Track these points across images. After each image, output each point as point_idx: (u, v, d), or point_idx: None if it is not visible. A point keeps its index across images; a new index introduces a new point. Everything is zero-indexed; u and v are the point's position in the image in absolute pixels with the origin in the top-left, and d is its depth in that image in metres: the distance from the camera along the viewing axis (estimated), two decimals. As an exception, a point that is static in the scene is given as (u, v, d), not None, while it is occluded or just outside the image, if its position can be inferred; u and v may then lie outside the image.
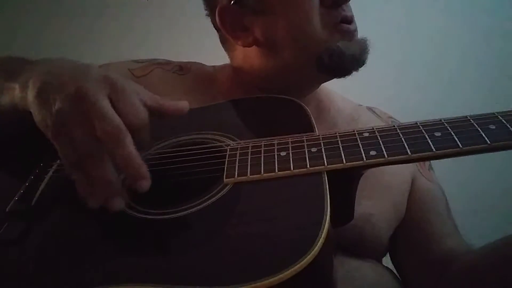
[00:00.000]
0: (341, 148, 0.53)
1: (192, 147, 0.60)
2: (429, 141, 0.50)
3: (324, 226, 0.44)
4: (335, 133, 0.55)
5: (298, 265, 0.41)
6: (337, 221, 0.51)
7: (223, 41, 0.80)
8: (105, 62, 0.80)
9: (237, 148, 0.57)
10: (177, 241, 0.49)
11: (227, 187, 0.52)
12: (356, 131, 0.55)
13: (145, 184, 0.48)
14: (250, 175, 0.52)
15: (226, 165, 0.55)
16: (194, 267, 0.45)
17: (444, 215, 0.78)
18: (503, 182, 1.65)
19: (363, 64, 0.71)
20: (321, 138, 0.55)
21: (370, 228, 0.69)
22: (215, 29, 0.78)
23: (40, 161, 0.61)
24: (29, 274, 0.48)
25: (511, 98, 1.63)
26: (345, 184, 0.53)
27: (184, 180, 0.57)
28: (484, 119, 0.51)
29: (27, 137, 0.55)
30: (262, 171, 0.52)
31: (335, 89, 0.85)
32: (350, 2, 0.72)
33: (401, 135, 0.52)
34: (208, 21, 0.79)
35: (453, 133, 0.51)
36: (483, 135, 0.49)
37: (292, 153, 0.54)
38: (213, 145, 0.60)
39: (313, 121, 0.60)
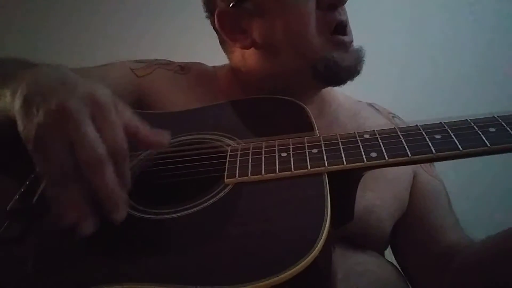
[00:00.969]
0: (341, 150, 0.53)
1: (193, 147, 0.60)
2: (430, 144, 0.51)
3: (324, 227, 0.44)
4: (336, 135, 0.56)
5: (298, 266, 0.41)
6: (337, 222, 0.52)
7: (222, 43, 0.80)
8: (106, 62, 0.80)
9: (238, 148, 0.57)
10: (177, 241, 0.49)
11: (228, 188, 0.52)
12: (357, 132, 0.55)
13: (120, 216, 0.46)
14: (251, 175, 0.53)
15: (227, 166, 0.55)
16: (194, 267, 0.45)
17: (446, 209, 0.79)
18: (503, 182, 1.65)
19: (358, 74, 0.72)
20: (321, 139, 0.55)
21: (374, 219, 0.69)
22: (215, 30, 0.79)
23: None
24: (29, 273, 0.48)
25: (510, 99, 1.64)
26: (346, 185, 0.54)
27: (185, 180, 0.57)
28: (484, 122, 0.52)
29: None
30: (263, 171, 0.52)
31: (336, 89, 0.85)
32: (346, 5, 0.72)
33: (401, 137, 0.52)
34: (207, 22, 0.79)
35: (453, 136, 0.51)
36: (483, 138, 0.50)
37: (293, 154, 0.54)
38: (214, 145, 0.60)
39: (314, 122, 0.61)
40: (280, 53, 0.72)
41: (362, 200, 0.56)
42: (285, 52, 0.72)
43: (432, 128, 0.53)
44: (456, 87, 1.75)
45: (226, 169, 0.54)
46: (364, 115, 0.81)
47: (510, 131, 0.50)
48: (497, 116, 0.52)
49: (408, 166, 0.78)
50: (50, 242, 0.51)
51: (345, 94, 0.86)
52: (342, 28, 0.71)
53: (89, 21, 1.71)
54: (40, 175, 0.55)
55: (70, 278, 0.47)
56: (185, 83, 0.78)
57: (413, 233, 0.77)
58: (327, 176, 0.51)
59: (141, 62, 0.81)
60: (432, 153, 0.50)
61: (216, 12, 0.74)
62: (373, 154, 0.51)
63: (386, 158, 0.51)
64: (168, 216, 0.51)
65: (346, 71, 0.71)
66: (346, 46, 0.71)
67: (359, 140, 0.54)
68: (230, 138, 0.61)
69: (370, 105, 0.87)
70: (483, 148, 0.49)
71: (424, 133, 0.52)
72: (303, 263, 0.42)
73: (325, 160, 0.52)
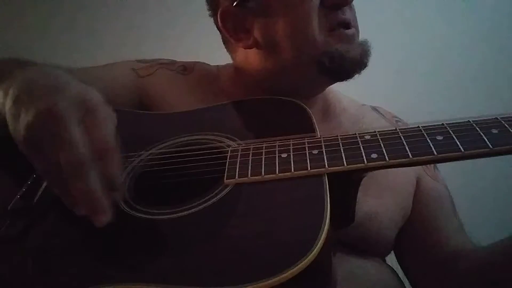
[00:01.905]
0: (342, 151, 0.52)
1: (194, 148, 0.60)
2: (431, 145, 0.50)
3: (324, 228, 0.44)
4: (337, 136, 0.55)
5: (297, 267, 0.41)
6: (338, 224, 0.51)
7: (225, 42, 0.80)
8: (107, 62, 0.80)
9: (238, 149, 0.57)
10: (177, 241, 0.49)
11: (228, 188, 0.52)
12: (358, 133, 0.55)
13: (103, 219, 0.46)
14: (250, 176, 0.52)
15: (226, 166, 0.55)
16: (194, 267, 0.45)
17: (450, 214, 0.78)
18: (503, 182, 1.64)
19: (365, 67, 0.71)
20: (322, 141, 0.55)
21: (375, 226, 0.69)
22: (218, 29, 0.78)
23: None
24: (29, 272, 0.48)
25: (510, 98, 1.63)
26: (346, 186, 0.53)
27: (185, 181, 0.57)
28: (487, 123, 0.51)
29: None
30: (263, 172, 0.52)
31: (338, 89, 0.85)
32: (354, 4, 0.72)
33: (402, 139, 0.52)
34: (209, 21, 0.79)
35: (455, 137, 0.50)
36: (486, 139, 0.49)
37: (293, 155, 0.54)
38: (214, 145, 0.60)
39: (315, 123, 0.60)
40: (283, 52, 0.71)
41: (363, 206, 0.56)
42: (288, 51, 0.71)
43: (434, 129, 0.52)
44: (457, 87, 1.74)
45: (226, 169, 0.54)
46: (368, 120, 0.80)
47: (513, 133, 0.49)
48: (500, 117, 0.51)
49: (411, 171, 0.77)
50: (50, 241, 0.52)
51: (349, 98, 0.86)
52: (345, 24, 0.71)
53: (91, 21, 1.72)
54: (38, 174, 0.55)
55: (70, 277, 0.47)
56: (188, 83, 0.78)
57: (417, 238, 0.76)
58: (328, 177, 0.51)
59: (144, 62, 0.80)
60: (434, 154, 0.49)
61: (219, 11, 0.74)
62: (374, 155, 0.51)
63: (387, 159, 0.50)
64: (168, 216, 0.51)
65: (351, 62, 0.70)
66: (349, 38, 0.70)
67: (359, 141, 0.53)
68: (230, 139, 0.60)
69: (374, 109, 0.86)
70: (485, 149, 0.48)
71: (425, 134, 0.52)
72: (301, 264, 0.42)
73: (325, 161, 0.52)
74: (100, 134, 0.46)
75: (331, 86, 0.80)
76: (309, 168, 0.51)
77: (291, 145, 0.55)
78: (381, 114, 0.85)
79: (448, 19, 1.77)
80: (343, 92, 0.85)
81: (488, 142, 0.49)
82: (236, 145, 0.59)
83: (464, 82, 1.74)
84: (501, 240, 0.66)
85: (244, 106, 0.69)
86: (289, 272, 0.41)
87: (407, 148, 0.51)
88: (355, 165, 0.51)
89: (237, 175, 0.53)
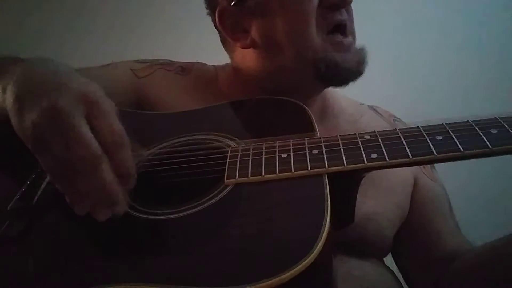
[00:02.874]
0: (342, 151, 0.53)
1: (194, 148, 0.60)
2: (431, 145, 0.50)
3: (324, 228, 0.44)
4: (337, 136, 0.55)
5: (298, 267, 0.41)
6: (338, 224, 0.51)
7: (223, 41, 0.80)
8: (107, 62, 0.80)
9: (238, 149, 0.57)
10: (177, 242, 0.49)
11: (228, 188, 0.52)
12: (358, 133, 0.55)
13: (118, 210, 0.47)
14: (251, 176, 0.52)
15: (227, 166, 0.55)
16: (194, 267, 0.45)
17: (447, 214, 0.79)
18: (503, 182, 1.64)
19: (360, 75, 0.71)
20: (322, 141, 0.55)
21: (373, 227, 0.69)
22: (216, 28, 0.78)
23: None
24: (29, 272, 0.48)
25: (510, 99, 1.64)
26: (346, 186, 0.53)
27: (185, 181, 0.57)
28: (486, 123, 0.51)
29: None
30: (263, 172, 0.52)
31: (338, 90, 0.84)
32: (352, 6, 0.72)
33: (402, 139, 0.52)
34: (209, 20, 0.79)
35: (454, 137, 0.50)
36: (485, 139, 0.49)
37: (293, 155, 0.54)
38: (214, 146, 0.60)
39: (315, 123, 0.60)
40: (281, 52, 0.71)
41: (362, 207, 0.56)
42: (286, 51, 0.71)
43: (433, 129, 0.52)
44: (456, 88, 1.74)
45: (226, 169, 0.54)
46: (366, 120, 0.81)
47: (512, 133, 0.49)
48: (499, 118, 0.52)
49: (409, 171, 0.78)
50: (50, 241, 0.51)
51: (347, 97, 0.86)
52: (341, 28, 0.71)
53: (90, 21, 1.71)
54: (43, 171, 0.55)
55: (71, 278, 0.47)
56: (186, 84, 0.78)
57: (414, 238, 0.77)
58: (328, 177, 0.51)
59: (142, 63, 0.80)
60: (433, 154, 0.50)
61: (217, 10, 0.73)
62: (374, 155, 0.51)
63: (387, 159, 0.51)
64: (168, 216, 0.51)
65: (347, 72, 0.70)
66: (344, 47, 0.70)
67: (359, 141, 0.53)
68: (230, 139, 0.60)
69: (372, 108, 0.86)
70: (484, 149, 0.49)
71: (425, 134, 0.52)
72: (303, 263, 0.42)
73: (326, 161, 0.52)
74: (106, 126, 0.47)
75: None
76: (309, 168, 0.52)
77: (291, 145, 0.56)
78: (379, 113, 0.85)
79: (449, 18, 1.78)
80: (343, 91, 0.85)
81: (487, 142, 0.49)
82: (236, 145, 0.59)
83: (464, 83, 1.74)
84: (497, 239, 0.66)
85: (244, 106, 0.69)
86: (291, 272, 0.41)
87: (407, 148, 0.51)
88: (355, 165, 0.51)
89: (237, 175, 0.53)
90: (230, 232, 0.48)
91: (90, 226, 0.50)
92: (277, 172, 0.52)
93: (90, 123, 0.46)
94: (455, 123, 0.53)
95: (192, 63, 0.83)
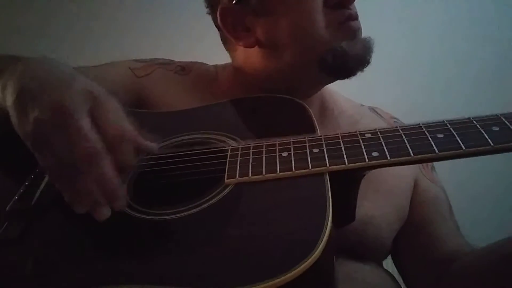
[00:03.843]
0: (343, 149, 0.52)
1: (194, 147, 0.60)
2: (432, 143, 0.50)
3: (326, 228, 0.44)
4: (337, 134, 0.55)
5: (300, 267, 0.41)
6: (339, 222, 0.51)
7: (224, 41, 0.79)
8: (106, 61, 0.80)
9: (239, 148, 0.57)
10: (178, 242, 0.49)
11: (228, 188, 0.52)
12: (359, 132, 0.55)
13: (119, 205, 0.48)
14: (251, 175, 0.52)
15: (227, 166, 0.54)
16: (195, 268, 0.45)
17: (447, 217, 0.78)
18: (503, 182, 1.65)
19: (368, 64, 0.71)
20: (323, 139, 0.55)
21: (372, 230, 0.68)
22: (216, 28, 0.78)
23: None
24: (28, 273, 0.48)
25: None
26: (347, 185, 0.53)
27: (185, 181, 0.57)
28: (487, 121, 0.51)
29: None
30: (263, 171, 0.52)
31: (337, 89, 0.84)
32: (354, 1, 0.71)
33: (403, 137, 0.52)
34: (209, 20, 0.79)
35: (456, 135, 0.50)
36: (486, 137, 0.49)
37: (294, 153, 0.53)
38: (214, 145, 0.60)
39: (315, 122, 0.60)
40: (286, 51, 0.71)
41: (360, 210, 0.56)
42: (291, 49, 0.70)
43: (435, 127, 0.52)
44: (457, 87, 1.74)
45: (227, 169, 0.54)
46: (366, 121, 0.80)
47: (514, 130, 0.49)
48: (501, 115, 0.51)
49: (409, 173, 0.77)
50: (49, 242, 0.51)
51: (347, 98, 0.85)
52: (353, 17, 0.70)
53: (90, 21, 1.71)
54: (42, 172, 0.56)
55: (70, 278, 0.47)
56: (185, 84, 0.77)
57: (413, 240, 0.76)
58: (329, 176, 0.50)
59: (142, 62, 0.80)
60: (435, 152, 0.49)
61: (218, 8, 0.73)
62: (375, 154, 0.51)
63: (388, 157, 0.50)
64: (169, 217, 0.51)
65: (354, 59, 0.69)
66: (354, 33, 0.70)
67: (360, 140, 0.53)
68: (231, 138, 0.60)
69: (372, 109, 0.86)
70: (486, 147, 0.48)
71: (426, 132, 0.52)
72: (305, 263, 0.41)
73: (327, 160, 0.51)
74: (110, 125, 0.47)
75: (328, 87, 0.80)
76: (310, 167, 0.51)
77: (292, 143, 0.55)
78: (379, 115, 0.85)
79: (452, 18, 1.78)
80: (345, 92, 0.85)
81: (489, 140, 0.49)
82: (236, 144, 0.58)
83: (466, 82, 1.74)
84: (498, 241, 0.66)
85: (244, 105, 0.68)
86: (293, 272, 0.41)
87: (408, 146, 0.51)
88: (356, 164, 0.51)
89: (238, 175, 0.53)
90: (232, 232, 0.48)
91: (89, 227, 0.50)
92: (278, 172, 0.52)
93: (93, 121, 0.47)
94: (456, 121, 0.53)
95: (192, 63, 0.82)
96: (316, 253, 0.42)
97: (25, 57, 0.57)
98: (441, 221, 0.77)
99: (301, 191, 0.50)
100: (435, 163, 0.83)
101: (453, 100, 1.67)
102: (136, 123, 0.52)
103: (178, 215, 0.50)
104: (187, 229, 0.50)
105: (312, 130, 0.59)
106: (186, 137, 0.62)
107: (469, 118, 0.52)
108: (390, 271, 0.75)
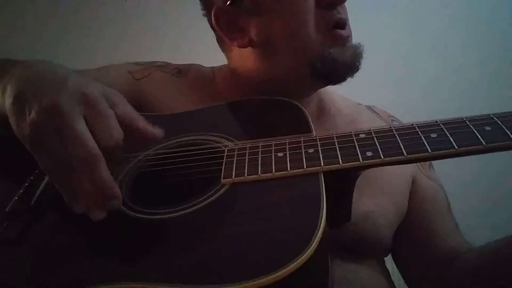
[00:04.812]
0: (337, 149, 0.53)
1: (190, 148, 0.61)
2: (425, 142, 0.51)
3: (320, 226, 0.45)
4: (332, 134, 0.56)
5: (293, 264, 0.42)
6: (335, 222, 0.52)
7: (220, 42, 0.80)
8: (106, 63, 0.80)
9: (235, 149, 0.57)
10: (174, 241, 0.49)
11: (225, 188, 0.53)
12: (353, 132, 0.55)
13: (116, 204, 0.49)
14: (247, 175, 0.53)
15: (223, 166, 0.55)
16: (190, 266, 0.45)
17: (445, 214, 0.78)
18: (503, 182, 1.65)
19: (357, 70, 0.71)
20: (318, 139, 0.55)
21: (370, 226, 0.69)
22: (212, 29, 0.78)
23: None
24: (27, 273, 0.48)
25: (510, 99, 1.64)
26: (342, 184, 0.54)
27: (182, 181, 0.58)
28: (480, 121, 0.52)
29: None
30: (259, 171, 0.53)
31: (335, 89, 0.85)
32: (347, 4, 0.72)
33: (397, 136, 0.53)
34: (205, 21, 0.79)
35: (448, 134, 0.51)
36: (479, 136, 0.50)
37: (289, 154, 0.54)
38: (211, 146, 0.60)
39: (310, 122, 0.61)
40: (278, 52, 0.71)
41: (359, 206, 0.56)
42: (283, 50, 0.71)
43: (428, 127, 0.53)
44: (457, 87, 1.74)
45: (223, 169, 0.55)
46: (363, 120, 0.80)
47: (506, 130, 0.50)
48: (493, 115, 0.52)
49: (407, 171, 0.78)
50: (48, 242, 0.52)
51: (343, 97, 0.86)
52: (341, 25, 0.71)
53: (90, 22, 1.72)
54: (41, 173, 0.56)
55: (68, 278, 0.47)
56: (182, 86, 0.78)
57: (412, 238, 0.77)
58: (323, 176, 0.51)
59: (139, 64, 0.80)
60: (428, 152, 0.50)
61: (213, 10, 0.73)
62: (369, 153, 0.52)
63: (382, 157, 0.51)
64: (165, 216, 0.51)
65: (343, 66, 0.70)
66: (343, 40, 0.71)
67: (355, 140, 0.54)
68: (227, 139, 0.61)
69: (370, 108, 0.86)
70: (478, 146, 0.49)
71: (419, 132, 0.52)
72: (298, 261, 0.42)
73: (321, 160, 0.52)
74: (105, 126, 0.48)
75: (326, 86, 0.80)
76: (305, 167, 0.52)
77: (287, 144, 0.56)
78: (377, 113, 0.85)
79: (449, 20, 1.78)
80: (341, 92, 0.86)
81: (481, 139, 0.49)
82: (233, 145, 0.59)
83: (464, 84, 1.74)
84: (496, 240, 0.66)
85: (241, 107, 0.69)
86: (286, 269, 0.41)
87: (401, 145, 0.51)
88: (350, 163, 0.51)
89: (234, 175, 0.53)
90: (227, 231, 0.48)
91: (88, 227, 0.51)
92: (273, 171, 0.52)
93: (88, 123, 0.47)
94: (449, 120, 0.53)
95: (189, 65, 0.83)
96: (309, 250, 0.43)
97: (24, 61, 0.58)
98: (439, 218, 0.77)
99: (296, 191, 0.51)
100: (435, 162, 0.84)
101: (450, 102, 1.67)
102: None
103: (174, 214, 0.51)
104: (183, 228, 0.50)
105: (308, 130, 0.59)
106: (183, 138, 0.63)
107: (462, 118, 0.53)
108: (390, 270, 0.76)
